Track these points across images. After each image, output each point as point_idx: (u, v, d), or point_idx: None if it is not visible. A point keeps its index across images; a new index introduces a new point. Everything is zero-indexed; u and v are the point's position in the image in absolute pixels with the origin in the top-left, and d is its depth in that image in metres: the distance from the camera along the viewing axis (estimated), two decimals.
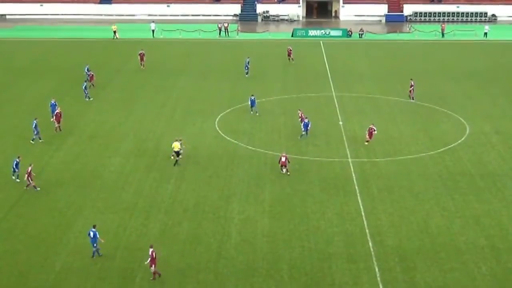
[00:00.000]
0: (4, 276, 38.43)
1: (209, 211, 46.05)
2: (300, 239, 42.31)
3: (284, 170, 51.39)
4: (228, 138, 59.77)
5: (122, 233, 43.05)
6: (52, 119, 61.42)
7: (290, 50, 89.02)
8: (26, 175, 48.51)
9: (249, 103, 66.02)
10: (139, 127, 62.87)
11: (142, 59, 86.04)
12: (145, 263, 37.96)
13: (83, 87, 71.38)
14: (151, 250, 37.82)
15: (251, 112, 65.72)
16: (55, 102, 63.72)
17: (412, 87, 70.27)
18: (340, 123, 63.77)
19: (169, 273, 38.58)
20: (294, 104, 68.85)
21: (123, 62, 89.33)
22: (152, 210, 46.27)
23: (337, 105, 69.60)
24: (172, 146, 53.59)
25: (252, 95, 66.31)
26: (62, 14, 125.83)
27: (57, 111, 61.53)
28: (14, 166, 50.08)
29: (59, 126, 60.93)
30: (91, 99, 71.02)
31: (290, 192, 48.91)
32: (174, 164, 53.25)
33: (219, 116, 65.47)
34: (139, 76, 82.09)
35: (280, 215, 45.49)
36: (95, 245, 39.90)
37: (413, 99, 70.30)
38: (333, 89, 75.77)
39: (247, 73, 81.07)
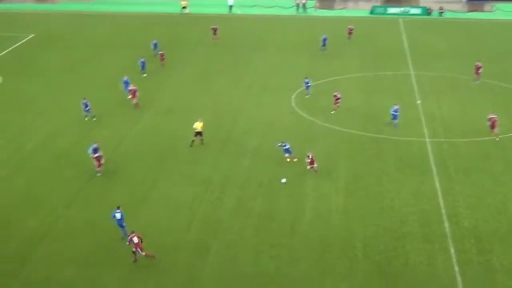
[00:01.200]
0: (85, 245, 39.32)
1: (284, 187, 46.13)
2: (374, 217, 42.08)
3: (313, 167, 48.28)
4: (304, 115, 59.62)
5: (197, 206, 43.53)
6: (128, 97, 62.03)
7: (351, 29, 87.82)
8: (95, 159, 47.90)
9: (304, 85, 64.86)
10: (215, 102, 63.25)
11: (214, 33, 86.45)
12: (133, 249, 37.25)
13: (140, 62, 71.54)
14: (132, 235, 37.09)
15: (306, 96, 64.66)
16: (127, 79, 64.33)
17: (479, 68, 68.41)
18: (418, 102, 62.87)
19: (243, 247, 38.97)
20: (371, 82, 68.31)
21: (199, 37, 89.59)
22: (227, 184, 46.65)
23: (414, 84, 68.60)
24: (194, 127, 52.64)
25: (306, 77, 65.36)
26: None
27: (130, 87, 62.03)
28: (92, 152, 47.98)
29: (137, 103, 61.37)
30: (144, 75, 70.87)
31: (366, 170, 48.60)
32: (191, 145, 52.61)
33: (296, 93, 65.27)
34: (216, 51, 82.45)
35: (354, 192, 45.31)
36: (124, 224, 39.57)
37: (477, 80, 68.47)
38: (411, 68, 74.69)
39: (323, 50, 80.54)
